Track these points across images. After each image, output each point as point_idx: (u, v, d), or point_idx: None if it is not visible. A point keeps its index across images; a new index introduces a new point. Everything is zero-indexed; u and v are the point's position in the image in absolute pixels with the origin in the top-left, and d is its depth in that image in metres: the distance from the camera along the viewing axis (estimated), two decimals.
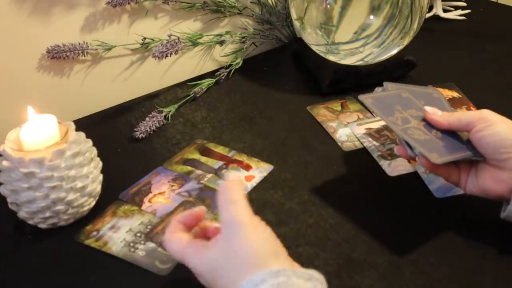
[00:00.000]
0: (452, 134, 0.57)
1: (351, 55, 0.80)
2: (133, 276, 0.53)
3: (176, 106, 0.80)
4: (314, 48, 0.83)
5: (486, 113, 0.53)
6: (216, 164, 0.68)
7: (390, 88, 0.63)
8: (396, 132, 0.56)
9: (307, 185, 0.65)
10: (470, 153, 0.54)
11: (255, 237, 0.43)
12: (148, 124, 0.74)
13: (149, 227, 0.58)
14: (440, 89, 0.73)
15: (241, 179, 0.48)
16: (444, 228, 0.58)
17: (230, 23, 0.93)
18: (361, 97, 0.59)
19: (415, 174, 0.65)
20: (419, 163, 0.56)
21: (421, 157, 0.54)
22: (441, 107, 0.61)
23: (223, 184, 0.46)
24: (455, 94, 0.81)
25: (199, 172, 0.67)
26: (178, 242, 0.47)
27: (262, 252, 0.42)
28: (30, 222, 0.58)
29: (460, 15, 1.09)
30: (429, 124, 0.58)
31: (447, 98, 0.68)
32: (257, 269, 0.41)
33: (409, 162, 0.67)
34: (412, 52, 0.85)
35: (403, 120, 0.57)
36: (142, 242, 0.57)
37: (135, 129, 0.74)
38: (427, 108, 0.58)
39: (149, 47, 0.82)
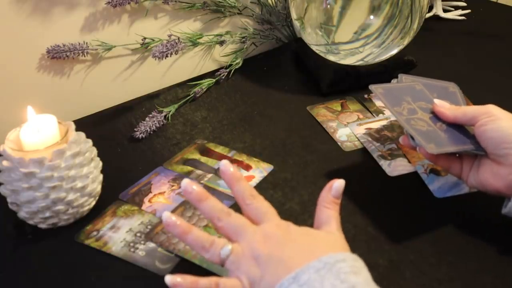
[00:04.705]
0: (458, 127, 0.57)
1: (351, 55, 0.80)
2: (133, 276, 0.53)
3: (176, 106, 0.80)
4: (314, 48, 0.83)
5: (492, 108, 0.54)
6: (216, 164, 0.68)
7: (405, 80, 0.63)
8: (399, 122, 0.56)
9: (307, 185, 0.65)
10: (471, 147, 0.55)
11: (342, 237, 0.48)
12: (148, 124, 0.74)
13: (149, 227, 0.58)
14: None
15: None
16: (444, 228, 0.58)
17: (230, 23, 0.93)
18: (372, 86, 0.59)
19: (415, 174, 0.65)
20: (420, 153, 0.57)
21: (421, 147, 0.55)
22: (455, 101, 0.62)
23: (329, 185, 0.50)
24: None
25: (199, 172, 0.67)
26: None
27: (346, 246, 0.47)
28: (30, 222, 0.58)
29: (460, 15, 1.09)
30: (436, 116, 0.58)
31: None
32: (338, 250, 0.45)
33: (409, 162, 0.67)
34: (412, 52, 0.85)
35: (410, 111, 0.58)
36: (142, 242, 0.57)
37: (135, 129, 0.74)
38: (436, 101, 0.59)
39: (149, 47, 0.82)
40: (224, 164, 0.50)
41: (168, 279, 0.44)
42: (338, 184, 0.49)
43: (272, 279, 0.43)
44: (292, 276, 0.41)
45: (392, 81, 0.67)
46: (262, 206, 0.49)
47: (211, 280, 0.44)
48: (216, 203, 0.48)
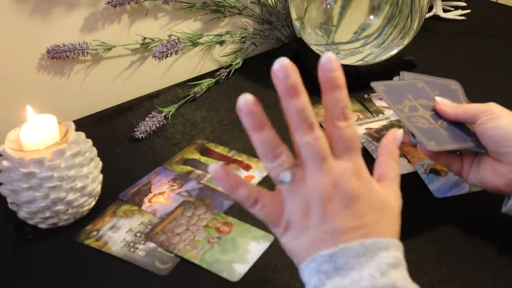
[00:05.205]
0: (459, 125, 0.57)
1: (351, 55, 0.80)
2: (133, 276, 0.53)
3: (176, 106, 0.80)
4: (314, 48, 0.83)
5: (492, 106, 0.54)
6: (216, 164, 0.68)
7: (407, 78, 0.63)
8: (400, 119, 0.57)
9: None
10: (471, 145, 0.55)
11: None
12: (148, 124, 0.74)
13: (149, 227, 0.58)
14: None
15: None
16: (444, 228, 0.58)
17: (230, 23, 0.93)
18: (373, 84, 0.59)
19: (415, 174, 0.65)
20: (420, 150, 0.57)
21: (421, 144, 0.55)
22: (456, 99, 0.62)
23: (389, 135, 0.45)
24: None
25: (199, 172, 0.67)
26: None
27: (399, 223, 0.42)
28: (30, 222, 0.58)
29: (460, 15, 1.09)
30: (437, 114, 0.58)
31: None
32: (389, 233, 0.40)
33: (409, 162, 0.67)
34: (412, 52, 0.85)
35: (411, 108, 0.58)
36: (142, 242, 0.57)
37: (135, 129, 0.74)
38: (438, 98, 0.59)
39: (149, 47, 0.82)
40: (329, 58, 0.40)
41: (212, 168, 0.41)
42: (401, 133, 0.45)
43: (313, 242, 0.39)
44: (329, 254, 0.37)
45: (393, 78, 0.67)
46: (350, 136, 0.40)
47: (253, 193, 0.41)
48: (306, 106, 0.39)
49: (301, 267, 0.40)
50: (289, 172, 0.39)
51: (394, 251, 0.39)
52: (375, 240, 0.38)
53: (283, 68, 0.39)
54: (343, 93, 0.40)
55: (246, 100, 0.39)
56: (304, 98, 0.39)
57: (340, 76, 0.40)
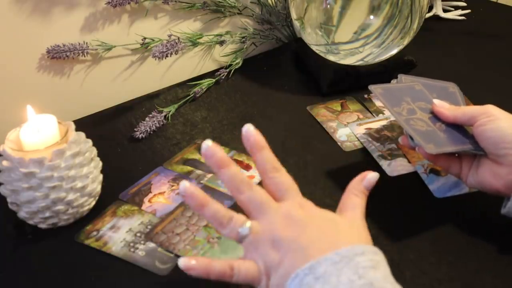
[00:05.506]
0: (457, 127, 0.57)
1: (351, 55, 0.80)
2: (133, 276, 0.53)
3: (176, 106, 0.80)
4: (314, 48, 0.83)
5: (491, 108, 0.54)
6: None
7: (404, 80, 0.64)
8: (398, 122, 0.57)
9: (307, 185, 0.65)
10: (470, 147, 0.55)
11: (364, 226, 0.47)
12: (148, 124, 0.75)
13: (149, 227, 0.58)
14: None
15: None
16: (444, 228, 0.58)
17: (230, 23, 0.93)
18: (371, 87, 0.60)
19: (415, 174, 0.65)
20: (419, 153, 0.57)
21: (420, 147, 0.55)
22: (455, 101, 0.62)
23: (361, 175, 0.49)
24: None
25: (199, 172, 0.67)
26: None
27: (368, 237, 0.46)
28: (30, 222, 0.58)
29: (460, 15, 1.09)
30: (435, 116, 0.58)
31: None
32: (359, 241, 0.44)
33: (409, 162, 0.67)
34: (412, 52, 0.85)
35: (409, 111, 0.58)
36: (142, 242, 0.57)
37: (135, 129, 0.74)
38: (435, 101, 0.59)
39: (149, 47, 0.82)
40: (248, 129, 0.47)
41: (182, 262, 0.43)
42: (373, 176, 0.49)
43: (290, 266, 0.41)
44: (308, 267, 0.40)
45: (391, 81, 0.67)
46: (285, 181, 0.47)
47: (225, 263, 0.43)
48: (238, 172, 0.45)
49: (286, 286, 0.41)
50: (245, 224, 0.44)
51: (370, 255, 0.41)
52: (349, 247, 0.41)
53: (210, 149, 0.45)
54: (268, 151, 0.47)
55: (184, 188, 0.44)
56: (234, 166, 0.46)
57: (261, 140, 0.47)
